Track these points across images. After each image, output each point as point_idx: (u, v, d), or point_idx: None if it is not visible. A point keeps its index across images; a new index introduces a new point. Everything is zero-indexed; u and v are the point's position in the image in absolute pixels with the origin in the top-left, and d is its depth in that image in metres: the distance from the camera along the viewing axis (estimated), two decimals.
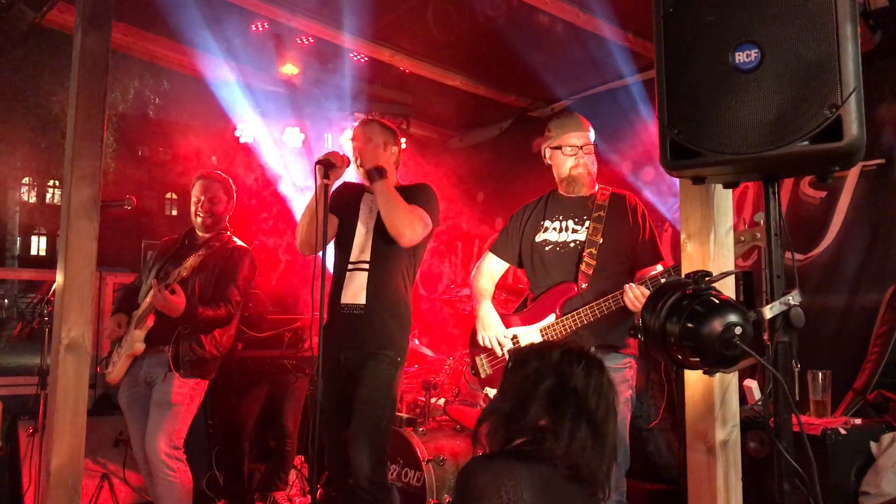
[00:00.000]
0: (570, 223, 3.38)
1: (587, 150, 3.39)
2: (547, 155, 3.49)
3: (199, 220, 4.15)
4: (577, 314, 3.20)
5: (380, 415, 3.33)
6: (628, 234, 3.31)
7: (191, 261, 3.79)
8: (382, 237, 3.46)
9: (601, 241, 3.28)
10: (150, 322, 3.85)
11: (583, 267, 3.27)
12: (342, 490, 3.50)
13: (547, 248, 3.40)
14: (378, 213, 3.48)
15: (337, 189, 3.65)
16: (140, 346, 3.85)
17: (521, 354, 2.05)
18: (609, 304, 3.13)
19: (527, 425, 1.89)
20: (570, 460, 1.83)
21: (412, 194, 3.50)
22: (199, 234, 4.18)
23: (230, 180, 4.29)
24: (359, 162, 3.52)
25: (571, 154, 3.37)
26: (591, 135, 3.43)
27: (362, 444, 3.27)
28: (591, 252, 3.27)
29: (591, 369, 1.95)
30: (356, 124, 3.70)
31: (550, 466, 1.81)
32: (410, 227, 3.37)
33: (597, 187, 3.46)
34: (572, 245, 3.34)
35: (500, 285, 3.75)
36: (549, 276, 3.37)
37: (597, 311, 3.16)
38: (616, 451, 1.96)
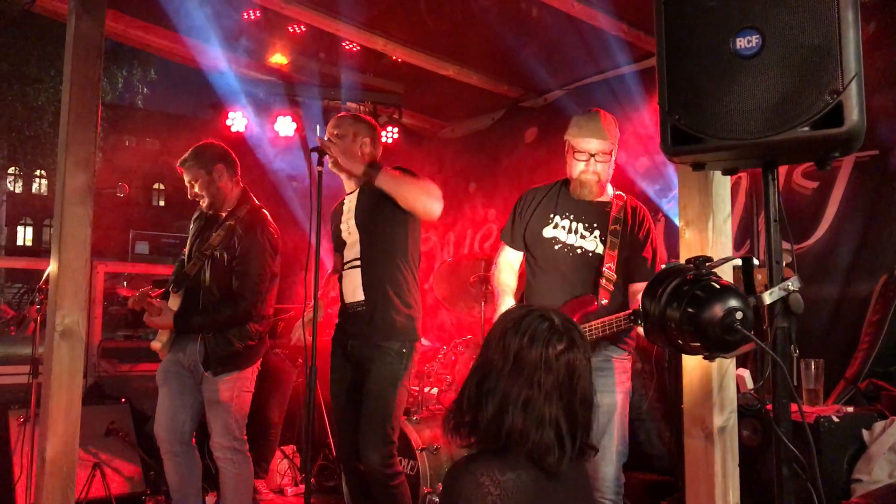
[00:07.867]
0: (580, 227, 3.26)
1: (601, 159, 3.20)
2: (566, 147, 3.34)
3: (203, 205, 3.86)
4: (590, 326, 3.08)
5: (388, 409, 3.31)
6: (636, 248, 3.22)
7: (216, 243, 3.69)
8: (366, 233, 3.44)
9: (617, 255, 3.18)
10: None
11: (603, 282, 3.16)
12: (352, 474, 3.52)
13: (556, 247, 3.28)
14: (355, 210, 3.50)
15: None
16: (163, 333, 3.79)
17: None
18: (620, 323, 3.01)
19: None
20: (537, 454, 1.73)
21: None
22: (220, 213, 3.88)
23: (209, 145, 3.92)
24: (335, 163, 3.41)
25: (582, 160, 3.22)
26: (611, 141, 3.23)
27: (371, 438, 3.27)
28: (610, 266, 3.17)
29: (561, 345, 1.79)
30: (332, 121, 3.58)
31: (531, 467, 1.74)
32: (430, 197, 3.36)
33: (612, 193, 3.33)
34: (580, 251, 3.24)
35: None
36: (562, 280, 3.25)
37: (607, 329, 3.05)
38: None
